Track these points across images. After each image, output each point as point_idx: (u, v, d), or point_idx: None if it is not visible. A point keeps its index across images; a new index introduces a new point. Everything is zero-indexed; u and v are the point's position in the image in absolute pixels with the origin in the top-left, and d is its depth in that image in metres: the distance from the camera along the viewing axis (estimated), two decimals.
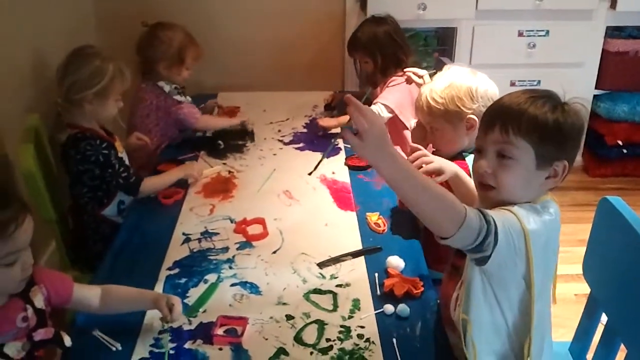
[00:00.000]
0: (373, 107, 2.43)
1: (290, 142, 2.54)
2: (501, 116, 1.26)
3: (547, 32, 3.35)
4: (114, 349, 1.38)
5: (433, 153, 1.85)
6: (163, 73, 2.52)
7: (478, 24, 3.35)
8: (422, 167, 1.57)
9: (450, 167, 1.60)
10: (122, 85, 2.06)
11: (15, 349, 1.25)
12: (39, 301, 1.33)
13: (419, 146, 1.66)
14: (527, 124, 1.22)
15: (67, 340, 1.33)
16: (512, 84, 3.39)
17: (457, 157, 1.77)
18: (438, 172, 1.57)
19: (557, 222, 1.26)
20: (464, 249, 1.16)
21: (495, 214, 1.17)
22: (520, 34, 3.36)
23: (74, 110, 1.99)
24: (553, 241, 1.26)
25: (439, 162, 1.60)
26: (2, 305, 1.26)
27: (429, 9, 3.21)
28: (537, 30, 3.35)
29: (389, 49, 2.60)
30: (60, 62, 2.02)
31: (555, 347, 1.46)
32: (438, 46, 3.59)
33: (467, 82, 1.74)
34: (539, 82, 3.44)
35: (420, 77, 2.37)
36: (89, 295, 1.44)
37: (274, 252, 1.77)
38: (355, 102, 1.08)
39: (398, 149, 1.90)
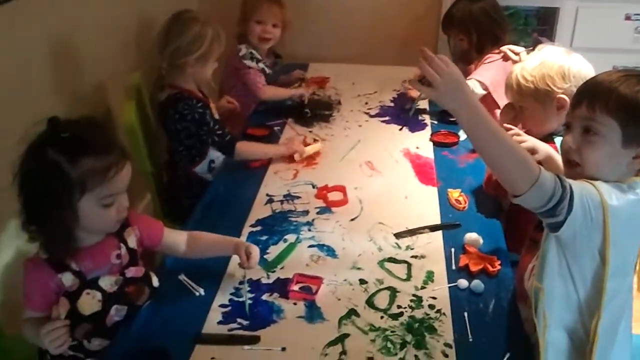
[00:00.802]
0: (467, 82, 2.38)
1: (376, 115, 2.55)
2: (590, 92, 1.24)
3: None
4: (197, 293, 1.48)
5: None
6: (242, 31, 2.62)
7: (583, 5, 3.20)
8: None
9: (545, 147, 1.58)
10: (220, 48, 2.14)
11: (109, 283, 1.36)
12: (132, 241, 1.44)
13: (512, 126, 1.65)
14: (615, 101, 1.19)
15: (155, 281, 1.43)
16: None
17: (547, 138, 1.73)
18: (532, 151, 1.55)
19: None
20: (535, 210, 1.16)
21: (574, 183, 1.16)
22: (628, 18, 3.18)
23: (176, 73, 2.09)
24: (636, 221, 1.22)
25: (533, 141, 1.58)
26: (98, 242, 1.38)
27: None
28: None
29: (485, 26, 2.54)
30: (161, 28, 2.12)
31: (636, 340, 1.42)
32: (538, 26, 3.46)
33: (560, 61, 1.69)
34: None
35: (517, 54, 2.30)
36: (177, 239, 1.54)
37: (352, 220, 1.81)
38: (425, 54, 1.10)
39: None
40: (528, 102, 1.74)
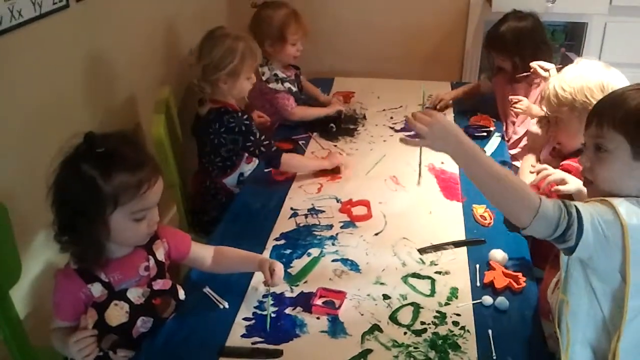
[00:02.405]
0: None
1: (402, 130, 2.55)
2: (599, 110, 1.25)
3: None
4: (221, 306, 1.49)
5: (555, 147, 1.83)
6: (269, 51, 2.58)
7: (611, 20, 3.16)
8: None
9: (576, 181, 1.58)
10: (253, 62, 2.15)
11: (137, 294, 1.38)
12: (160, 254, 1.46)
13: (542, 165, 1.68)
14: (621, 116, 1.19)
15: (182, 294, 1.45)
16: None
17: (578, 153, 1.72)
18: (561, 182, 1.58)
19: None
20: (545, 239, 1.17)
21: (586, 206, 1.16)
22: None
23: (213, 89, 2.12)
24: None
25: (562, 174, 1.61)
26: (128, 254, 1.41)
27: (558, 2, 3.06)
28: None
29: (529, 50, 2.44)
30: (195, 45, 2.15)
31: None
32: (565, 41, 3.44)
33: (599, 74, 1.69)
34: None
35: (547, 70, 2.28)
36: (204, 254, 1.56)
37: (376, 234, 1.81)
38: (409, 120, 1.27)
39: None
40: (564, 113, 1.75)
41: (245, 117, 2.11)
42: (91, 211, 1.28)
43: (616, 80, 1.67)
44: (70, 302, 1.36)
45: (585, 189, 1.51)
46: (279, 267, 1.50)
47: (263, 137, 2.12)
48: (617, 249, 1.15)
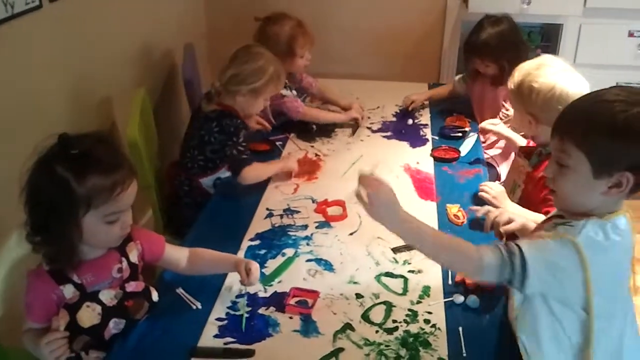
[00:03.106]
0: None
1: (378, 130, 2.58)
2: (562, 124, 1.23)
3: None
4: (194, 307, 1.49)
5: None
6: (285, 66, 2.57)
7: (586, 21, 3.21)
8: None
9: (520, 219, 1.63)
10: (275, 89, 2.19)
11: (109, 296, 1.38)
12: (134, 256, 1.46)
13: (489, 208, 1.74)
14: (582, 133, 1.17)
15: (155, 296, 1.45)
16: None
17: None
18: (508, 222, 1.63)
19: (626, 240, 1.21)
20: (499, 284, 1.24)
21: (538, 245, 1.19)
22: (631, 34, 3.18)
23: (228, 97, 2.12)
24: (620, 262, 1.22)
25: (509, 214, 1.66)
26: (101, 256, 1.40)
27: (534, 4, 3.11)
28: None
29: (512, 52, 2.44)
30: (232, 53, 2.16)
31: None
32: (541, 43, 3.48)
33: (551, 78, 1.74)
34: None
35: (496, 125, 2.31)
36: (178, 255, 1.56)
37: (351, 234, 1.82)
38: (361, 181, 1.26)
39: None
40: (513, 106, 1.89)
41: (241, 122, 2.12)
42: (64, 213, 1.27)
43: (573, 86, 1.72)
44: (41, 303, 1.35)
45: (531, 224, 1.57)
46: (255, 267, 1.50)
47: (244, 143, 2.11)
48: (577, 281, 1.16)
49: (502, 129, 2.26)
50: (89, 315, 1.34)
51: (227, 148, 2.09)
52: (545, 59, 1.83)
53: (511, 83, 1.84)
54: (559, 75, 1.74)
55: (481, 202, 1.87)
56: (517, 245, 1.19)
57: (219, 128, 2.09)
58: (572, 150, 1.18)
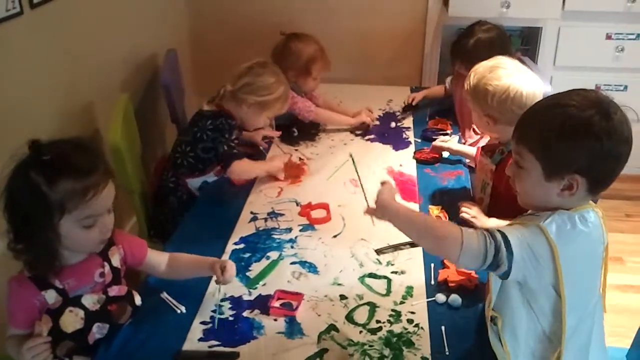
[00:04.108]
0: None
1: (362, 134, 2.59)
2: (518, 127, 1.27)
3: (638, 35, 3.22)
4: (178, 311, 1.50)
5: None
6: (291, 80, 2.56)
7: (564, 24, 3.27)
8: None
9: (484, 224, 1.76)
10: (280, 109, 2.22)
11: (92, 301, 1.38)
12: (116, 260, 1.45)
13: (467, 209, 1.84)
14: (533, 137, 1.22)
15: (138, 300, 1.45)
16: (597, 88, 3.27)
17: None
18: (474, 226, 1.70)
19: (595, 233, 1.23)
20: (480, 270, 1.22)
21: (513, 229, 1.20)
22: (609, 37, 3.25)
23: (232, 104, 2.15)
24: (589, 253, 1.24)
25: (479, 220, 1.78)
26: (83, 260, 1.40)
27: (513, 7, 3.14)
28: (627, 34, 3.24)
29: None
30: (246, 63, 2.19)
31: (612, 353, 1.44)
32: (521, 46, 3.53)
33: (505, 80, 1.77)
34: (625, 87, 3.32)
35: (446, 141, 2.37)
36: (159, 260, 1.56)
37: (335, 236, 1.84)
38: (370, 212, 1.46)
39: None
40: (472, 106, 1.90)
41: (235, 124, 2.14)
42: (39, 218, 1.27)
43: (527, 86, 1.75)
44: (24, 309, 1.34)
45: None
46: (230, 264, 1.51)
47: (235, 140, 2.15)
48: (548, 269, 1.18)
49: (452, 145, 2.32)
50: (71, 320, 1.34)
51: (219, 145, 2.10)
52: (499, 60, 1.85)
53: (467, 85, 1.87)
54: (512, 77, 1.77)
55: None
56: (499, 230, 1.20)
57: (213, 126, 2.11)
58: (525, 153, 1.23)
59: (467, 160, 2.42)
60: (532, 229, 1.19)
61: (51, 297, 1.34)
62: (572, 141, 1.16)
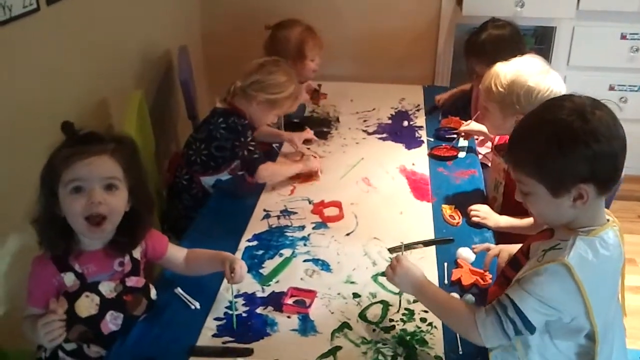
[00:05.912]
0: None
1: (374, 132, 2.59)
2: (510, 151, 1.26)
3: None
4: (192, 307, 1.51)
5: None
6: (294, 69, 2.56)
7: (579, 24, 3.24)
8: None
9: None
10: (289, 108, 2.23)
11: (109, 288, 1.39)
12: (137, 252, 1.47)
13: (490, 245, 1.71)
14: (527, 161, 1.20)
15: (154, 293, 1.46)
16: (611, 88, 3.26)
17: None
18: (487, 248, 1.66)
19: (615, 254, 1.21)
20: (510, 341, 1.24)
21: (531, 294, 1.18)
22: (623, 37, 3.21)
23: (243, 101, 2.15)
24: (612, 275, 1.23)
25: (507, 253, 1.60)
26: (103, 248, 1.42)
27: (527, 7, 3.13)
28: None
29: (508, 58, 2.45)
30: (257, 60, 2.20)
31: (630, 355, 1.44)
32: (535, 45, 3.50)
33: (532, 80, 1.74)
34: None
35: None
36: (178, 255, 1.58)
37: (347, 235, 1.84)
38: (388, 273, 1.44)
39: None
40: (492, 106, 1.84)
41: (247, 123, 2.14)
42: (47, 185, 1.33)
43: (548, 88, 1.73)
44: (42, 287, 1.37)
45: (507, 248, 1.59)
46: (239, 265, 1.50)
47: (253, 142, 2.13)
48: (576, 306, 1.17)
49: (474, 125, 2.32)
50: (87, 305, 1.36)
51: (237, 149, 2.10)
52: (523, 62, 1.83)
53: (495, 86, 1.81)
54: (548, 76, 1.76)
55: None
56: (513, 303, 1.19)
57: (225, 125, 2.12)
58: (525, 179, 1.22)
59: (480, 157, 2.42)
60: (555, 269, 1.16)
61: (70, 279, 1.37)
62: (563, 154, 1.14)
